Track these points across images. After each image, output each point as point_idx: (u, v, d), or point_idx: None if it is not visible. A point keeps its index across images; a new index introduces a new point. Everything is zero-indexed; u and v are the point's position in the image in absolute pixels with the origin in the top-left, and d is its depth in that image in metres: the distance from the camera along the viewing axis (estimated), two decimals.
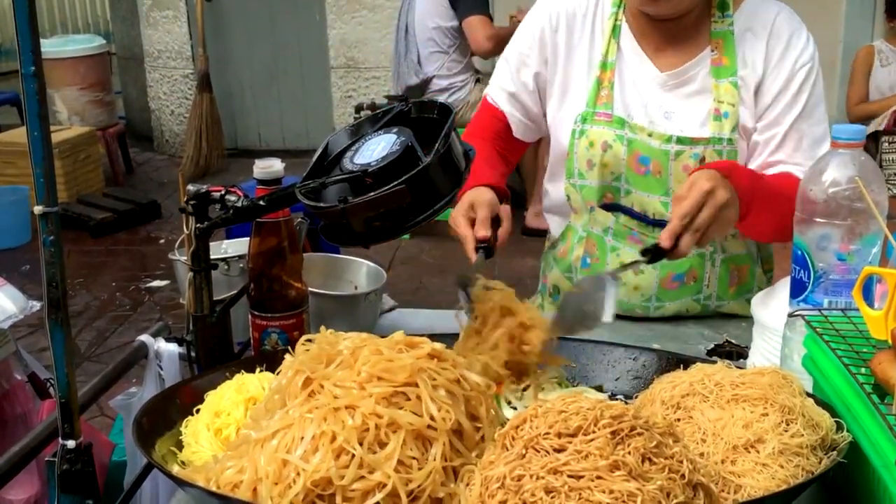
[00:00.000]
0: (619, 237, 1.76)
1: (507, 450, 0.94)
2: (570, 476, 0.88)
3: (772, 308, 1.42)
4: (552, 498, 0.87)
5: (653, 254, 1.43)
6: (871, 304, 1.17)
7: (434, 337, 1.13)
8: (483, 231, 1.57)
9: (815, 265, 1.30)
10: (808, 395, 1.15)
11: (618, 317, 1.47)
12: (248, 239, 1.46)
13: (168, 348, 1.57)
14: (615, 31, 1.75)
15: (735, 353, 1.61)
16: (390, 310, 1.86)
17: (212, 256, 1.44)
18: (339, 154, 1.29)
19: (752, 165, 1.72)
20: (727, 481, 1.03)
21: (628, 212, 1.75)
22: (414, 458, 0.97)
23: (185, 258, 1.44)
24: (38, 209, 1.08)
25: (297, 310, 1.45)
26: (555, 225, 1.92)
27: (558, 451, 0.91)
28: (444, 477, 0.97)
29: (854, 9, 6.32)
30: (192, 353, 1.46)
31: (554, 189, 1.86)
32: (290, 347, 1.23)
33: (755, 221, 1.57)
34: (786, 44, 1.69)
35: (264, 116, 7.50)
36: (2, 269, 4.02)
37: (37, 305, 1.81)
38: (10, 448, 1.33)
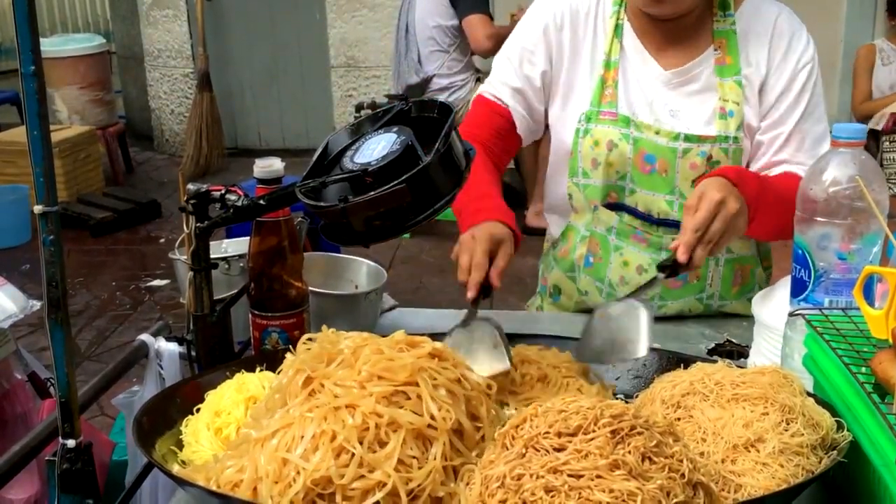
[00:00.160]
0: (623, 236, 1.76)
1: (507, 449, 0.94)
2: (570, 475, 0.88)
3: (772, 307, 1.42)
4: (552, 497, 0.87)
5: (670, 269, 1.43)
6: (871, 304, 1.17)
7: (435, 336, 1.13)
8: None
9: (816, 264, 1.30)
10: (809, 394, 1.15)
11: None
12: (248, 238, 1.46)
13: (168, 348, 1.57)
14: (617, 29, 1.74)
15: (736, 352, 1.61)
16: (391, 309, 1.85)
17: (212, 256, 1.44)
18: (340, 153, 1.28)
19: (756, 165, 1.73)
20: (727, 480, 1.03)
21: (632, 211, 1.75)
22: (414, 457, 0.97)
23: (186, 257, 1.44)
24: (37, 208, 1.08)
25: (297, 309, 1.45)
26: (554, 224, 1.91)
27: (558, 450, 0.91)
28: (444, 476, 0.97)
29: (854, 8, 6.33)
30: (193, 353, 1.46)
31: (555, 188, 1.86)
32: (290, 347, 1.23)
33: (761, 223, 1.58)
34: (787, 45, 1.71)
35: (264, 115, 7.50)
36: (2, 269, 4.02)
37: (37, 305, 1.81)
38: (10, 447, 1.33)
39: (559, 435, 0.91)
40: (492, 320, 1.36)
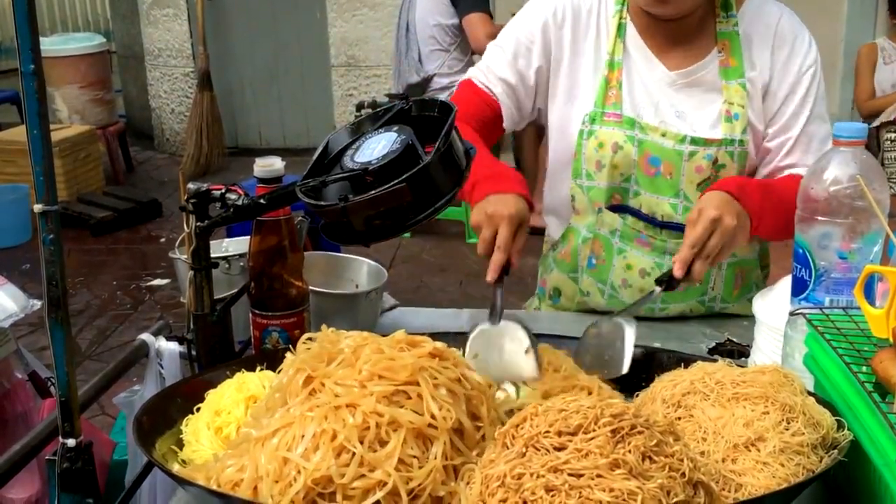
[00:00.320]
0: (627, 239, 1.75)
1: (508, 448, 0.94)
2: (570, 474, 0.88)
3: (773, 306, 1.42)
4: (552, 496, 0.87)
5: (667, 283, 1.47)
6: (872, 303, 1.17)
7: (435, 336, 1.13)
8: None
9: (817, 263, 1.29)
10: (809, 393, 1.15)
11: None
12: (248, 237, 1.46)
13: (169, 347, 1.57)
14: (620, 29, 1.73)
15: (736, 351, 1.62)
16: (391, 308, 1.85)
17: (212, 255, 1.44)
18: (340, 152, 1.28)
19: (765, 170, 1.74)
20: (728, 480, 1.03)
21: (636, 213, 1.74)
22: (414, 456, 0.97)
23: (186, 257, 1.44)
24: (38, 208, 1.08)
25: (297, 308, 1.45)
26: (553, 226, 1.90)
27: (558, 449, 0.90)
28: (444, 475, 0.97)
29: (855, 7, 6.33)
30: (193, 352, 1.46)
31: (555, 190, 1.84)
32: (290, 346, 1.23)
33: (766, 228, 1.60)
34: (790, 48, 1.70)
35: (265, 115, 7.50)
36: (2, 268, 4.02)
37: (37, 304, 1.81)
38: (10, 447, 1.33)
39: (559, 434, 0.91)
40: (522, 321, 1.36)
